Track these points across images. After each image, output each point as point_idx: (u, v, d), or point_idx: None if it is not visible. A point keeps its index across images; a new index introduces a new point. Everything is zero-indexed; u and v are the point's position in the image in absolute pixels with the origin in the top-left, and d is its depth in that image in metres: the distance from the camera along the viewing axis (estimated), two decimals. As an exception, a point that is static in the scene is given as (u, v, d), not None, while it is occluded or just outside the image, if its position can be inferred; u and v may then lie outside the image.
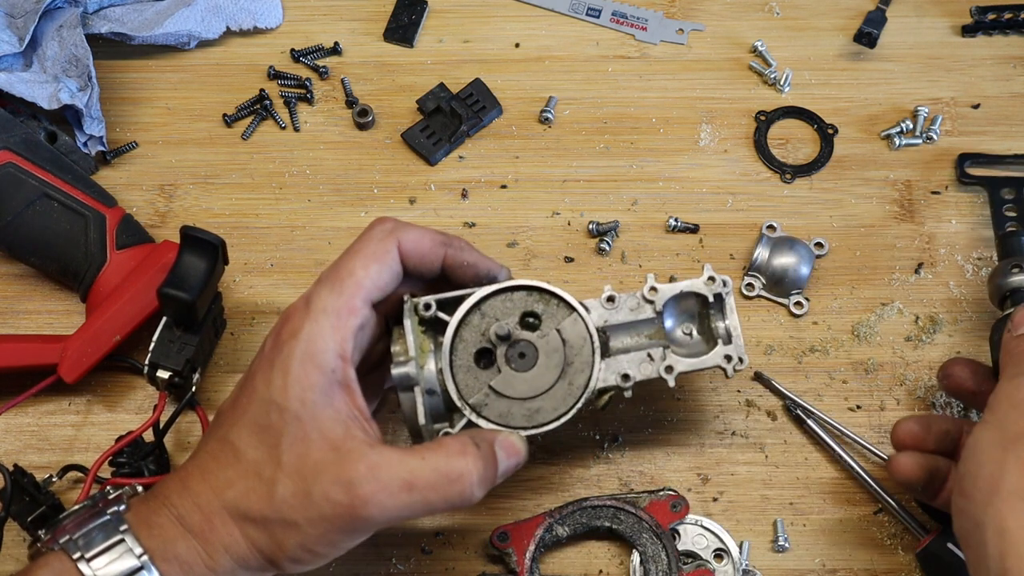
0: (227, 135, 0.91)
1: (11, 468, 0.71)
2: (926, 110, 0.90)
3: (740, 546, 0.74)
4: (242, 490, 0.61)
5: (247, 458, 0.61)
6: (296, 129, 0.91)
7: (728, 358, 0.71)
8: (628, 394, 0.70)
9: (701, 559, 0.73)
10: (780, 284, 0.83)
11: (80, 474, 0.75)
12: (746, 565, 0.73)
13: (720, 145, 0.90)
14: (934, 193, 0.88)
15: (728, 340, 0.71)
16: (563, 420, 0.68)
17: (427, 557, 0.74)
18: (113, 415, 0.79)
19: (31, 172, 0.79)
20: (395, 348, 0.68)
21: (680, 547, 0.73)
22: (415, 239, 0.67)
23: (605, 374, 0.69)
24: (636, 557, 0.73)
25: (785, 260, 0.82)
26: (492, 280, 0.70)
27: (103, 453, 0.73)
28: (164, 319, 0.76)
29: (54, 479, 0.74)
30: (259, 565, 0.62)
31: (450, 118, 0.90)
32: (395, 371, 0.67)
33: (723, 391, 0.80)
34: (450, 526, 0.75)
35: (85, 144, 0.87)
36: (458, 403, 0.67)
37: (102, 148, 0.88)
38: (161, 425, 0.75)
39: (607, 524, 0.73)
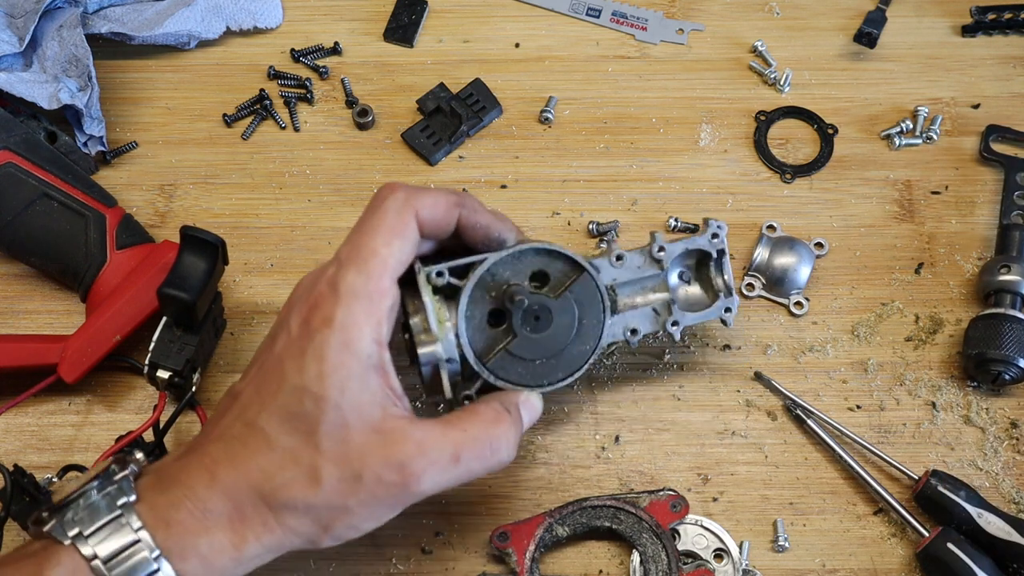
0: (227, 135, 0.91)
1: (11, 468, 0.71)
2: (926, 110, 0.90)
3: (740, 546, 0.74)
4: (282, 481, 0.60)
5: (280, 445, 0.60)
6: (296, 129, 0.91)
7: (728, 310, 0.75)
8: (635, 344, 0.73)
9: (701, 559, 0.73)
10: (780, 284, 0.83)
11: (79, 474, 0.75)
12: (746, 565, 0.73)
13: (720, 145, 0.90)
14: (934, 193, 0.88)
15: (729, 293, 0.75)
16: (574, 378, 0.71)
17: (427, 557, 0.74)
18: (113, 415, 0.79)
19: (31, 172, 0.79)
20: (414, 320, 0.68)
21: (680, 547, 0.73)
22: (431, 205, 0.65)
23: (613, 329, 0.72)
24: (636, 557, 0.73)
25: (785, 260, 0.82)
26: (502, 241, 0.70)
27: (103, 453, 0.73)
28: (164, 319, 0.76)
29: (54, 479, 0.74)
30: (294, 547, 0.61)
31: (450, 118, 0.90)
32: (421, 351, 0.67)
33: (723, 391, 0.80)
34: (450, 526, 0.75)
35: (85, 144, 0.87)
36: (476, 368, 0.69)
37: (102, 148, 0.88)
38: (161, 425, 0.75)
39: (607, 524, 0.73)
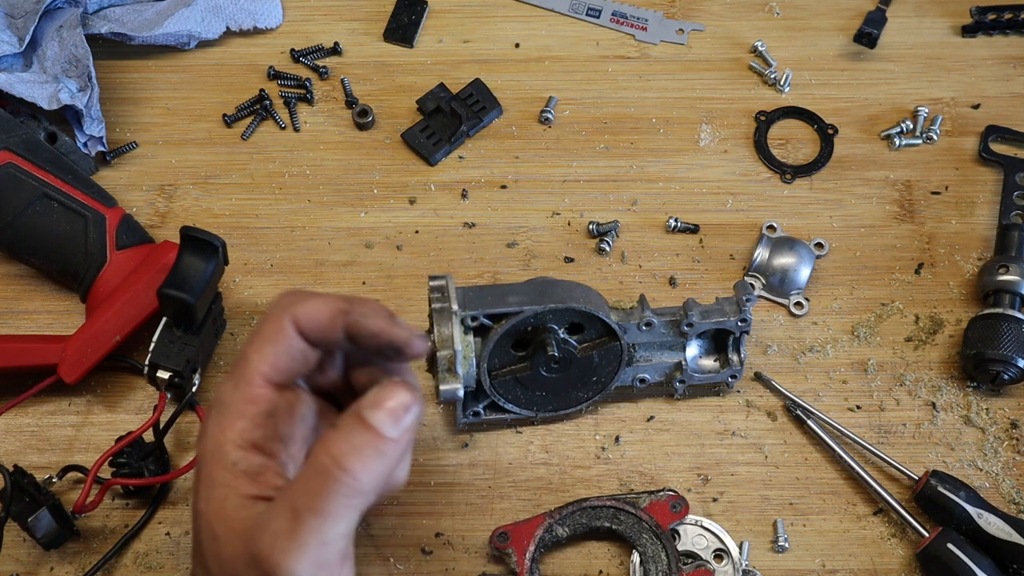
0: (227, 135, 0.91)
1: (11, 469, 0.71)
2: (926, 110, 0.90)
3: (740, 546, 0.74)
4: None
5: None
6: (296, 129, 0.91)
7: (733, 376, 0.78)
8: (637, 390, 0.78)
9: (701, 559, 0.73)
10: (780, 284, 0.83)
11: (80, 474, 0.75)
12: (746, 565, 0.73)
13: (720, 145, 0.90)
14: (934, 193, 0.88)
15: (740, 366, 0.77)
16: (567, 412, 0.77)
17: (427, 557, 0.74)
18: (113, 415, 0.79)
19: (31, 172, 0.79)
20: (441, 354, 0.70)
21: (680, 547, 0.73)
22: (311, 312, 0.60)
23: (623, 376, 0.76)
24: (636, 557, 0.73)
25: (785, 260, 0.82)
26: (400, 351, 0.61)
27: (103, 453, 0.73)
28: (164, 319, 0.76)
29: (54, 480, 0.74)
30: None
31: (450, 118, 0.90)
32: (443, 388, 0.70)
33: (723, 391, 0.80)
34: (450, 526, 0.75)
35: (85, 144, 0.87)
36: (490, 393, 0.75)
37: (102, 148, 0.88)
38: (161, 425, 0.75)
39: (607, 524, 0.73)
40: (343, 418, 0.56)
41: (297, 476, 0.56)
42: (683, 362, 0.77)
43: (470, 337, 0.72)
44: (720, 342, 0.78)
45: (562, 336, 0.73)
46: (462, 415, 0.76)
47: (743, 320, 0.75)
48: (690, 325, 0.75)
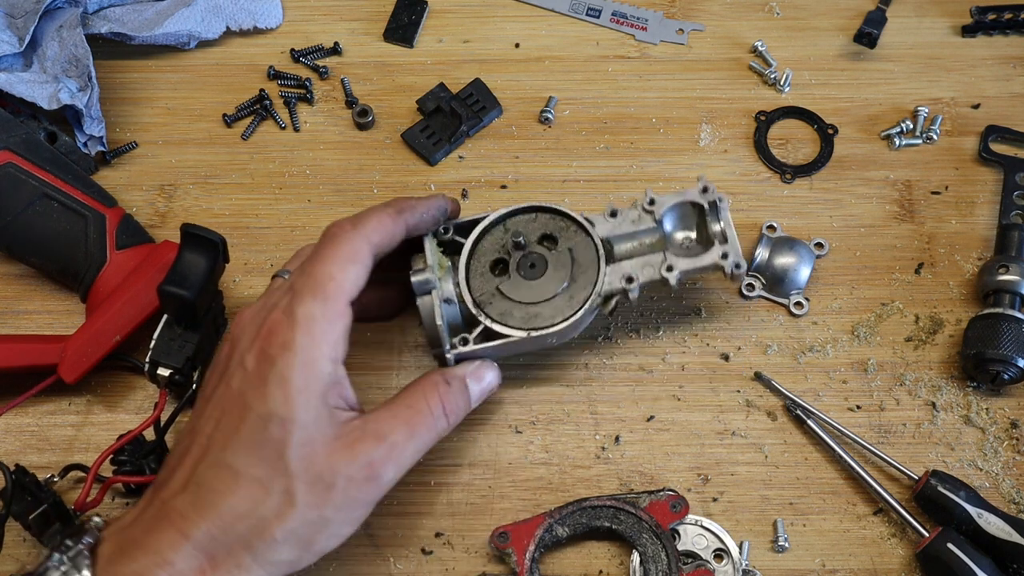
0: (227, 135, 0.91)
1: (12, 468, 0.71)
2: (926, 110, 0.90)
3: (740, 546, 0.74)
4: (257, 518, 0.60)
5: (250, 477, 0.61)
6: (296, 129, 0.91)
7: (725, 255, 0.75)
8: (633, 294, 0.74)
9: (701, 559, 0.73)
10: (780, 284, 0.83)
11: (81, 473, 0.75)
12: (746, 565, 0.73)
13: (720, 145, 0.90)
14: (934, 193, 0.88)
15: (724, 240, 0.75)
16: (567, 323, 0.73)
17: (427, 557, 0.74)
18: (113, 415, 0.79)
19: (31, 172, 0.79)
20: (415, 264, 0.74)
21: (680, 547, 0.73)
22: (383, 231, 0.68)
23: (610, 278, 0.74)
24: (636, 557, 0.73)
25: (785, 260, 0.82)
26: (443, 218, 0.74)
27: (104, 451, 0.73)
28: (165, 317, 0.76)
29: (55, 478, 0.74)
30: None
31: (450, 118, 0.90)
32: (414, 279, 0.72)
33: (723, 391, 0.80)
34: (450, 526, 0.75)
35: (85, 144, 0.87)
36: (472, 309, 0.73)
37: (102, 148, 0.88)
38: (162, 423, 0.75)
39: (607, 524, 0.73)
40: (452, 377, 0.70)
41: (407, 403, 0.67)
42: (663, 239, 0.75)
43: (445, 254, 0.74)
44: (704, 234, 0.76)
45: (526, 239, 0.75)
46: (448, 344, 0.72)
47: (705, 189, 0.75)
48: (652, 201, 0.75)
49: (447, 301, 0.73)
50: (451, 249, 0.75)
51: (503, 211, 0.76)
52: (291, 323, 0.63)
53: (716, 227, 0.76)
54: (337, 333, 0.64)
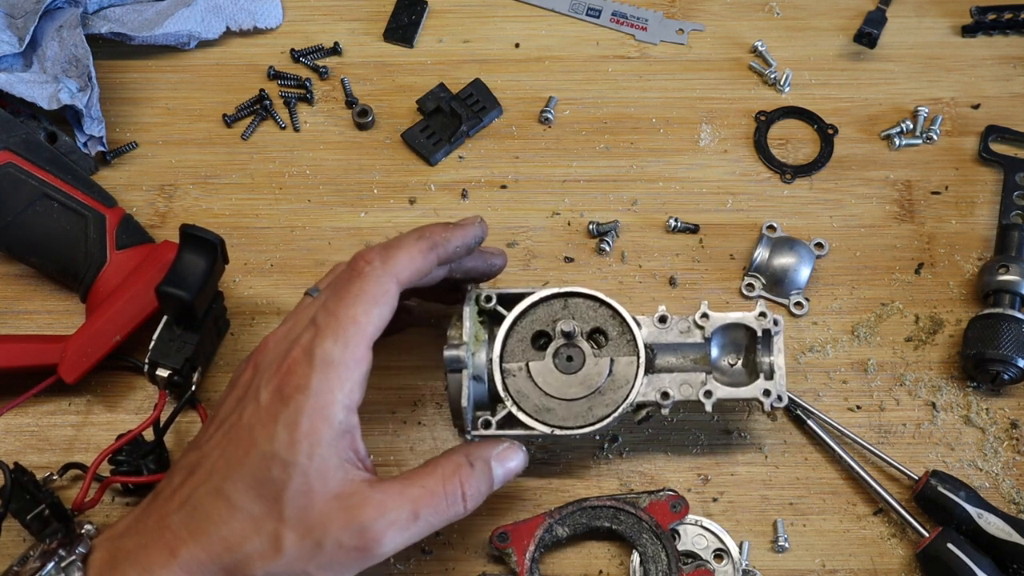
0: (227, 135, 0.91)
1: (11, 467, 0.71)
2: (926, 110, 0.90)
3: (740, 546, 0.74)
4: (244, 552, 0.60)
5: (244, 512, 0.60)
6: (296, 129, 0.91)
7: (767, 392, 0.71)
8: (666, 411, 0.71)
9: (701, 559, 0.73)
10: (780, 284, 0.83)
11: (81, 472, 0.75)
12: (746, 565, 0.73)
13: (720, 145, 0.90)
14: (934, 193, 0.88)
15: (770, 376, 0.72)
16: (589, 430, 0.70)
17: (427, 557, 0.74)
18: (113, 415, 0.79)
19: (31, 172, 0.79)
20: (451, 332, 0.71)
21: (680, 547, 0.73)
22: (410, 267, 0.66)
23: (646, 389, 0.71)
24: (636, 557, 0.73)
25: (785, 260, 0.82)
26: (476, 246, 0.71)
27: (103, 451, 0.73)
28: (165, 317, 0.76)
29: (54, 477, 0.75)
30: None
31: (450, 118, 0.90)
32: (447, 353, 0.70)
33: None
34: (450, 526, 0.75)
35: (85, 144, 0.87)
36: (500, 392, 0.71)
37: (102, 148, 0.88)
38: (161, 423, 0.75)
39: (607, 524, 0.73)
40: (477, 459, 0.66)
41: (423, 483, 0.64)
42: (708, 369, 0.72)
43: (485, 324, 0.72)
44: (751, 358, 0.74)
45: (576, 331, 0.72)
46: (471, 424, 0.71)
47: (762, 315, 0.72)
48: (705, 316, 0.73)
49: (476, 378, 0.70)
50: (491, 319, 0.73)
51: (549, 291, 0.72)
52: (309, 364, 0.62)
53: (766, 359, 0.73)
54: (354, 380, 0.62)
